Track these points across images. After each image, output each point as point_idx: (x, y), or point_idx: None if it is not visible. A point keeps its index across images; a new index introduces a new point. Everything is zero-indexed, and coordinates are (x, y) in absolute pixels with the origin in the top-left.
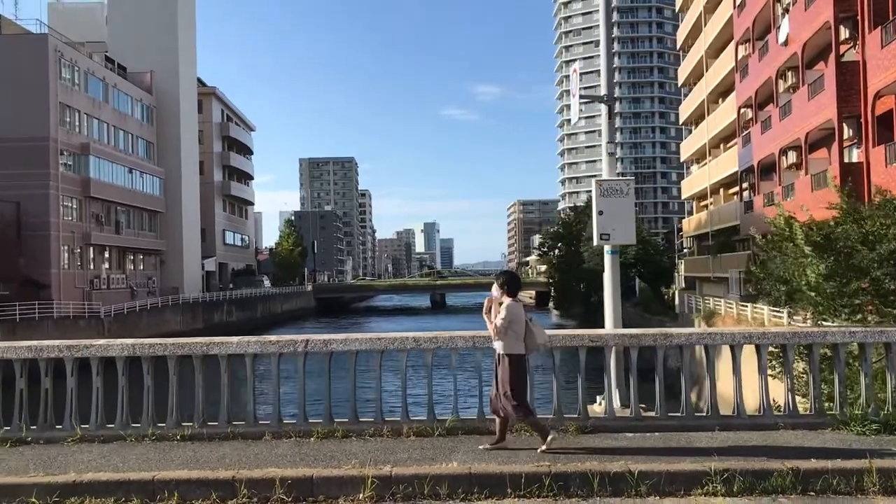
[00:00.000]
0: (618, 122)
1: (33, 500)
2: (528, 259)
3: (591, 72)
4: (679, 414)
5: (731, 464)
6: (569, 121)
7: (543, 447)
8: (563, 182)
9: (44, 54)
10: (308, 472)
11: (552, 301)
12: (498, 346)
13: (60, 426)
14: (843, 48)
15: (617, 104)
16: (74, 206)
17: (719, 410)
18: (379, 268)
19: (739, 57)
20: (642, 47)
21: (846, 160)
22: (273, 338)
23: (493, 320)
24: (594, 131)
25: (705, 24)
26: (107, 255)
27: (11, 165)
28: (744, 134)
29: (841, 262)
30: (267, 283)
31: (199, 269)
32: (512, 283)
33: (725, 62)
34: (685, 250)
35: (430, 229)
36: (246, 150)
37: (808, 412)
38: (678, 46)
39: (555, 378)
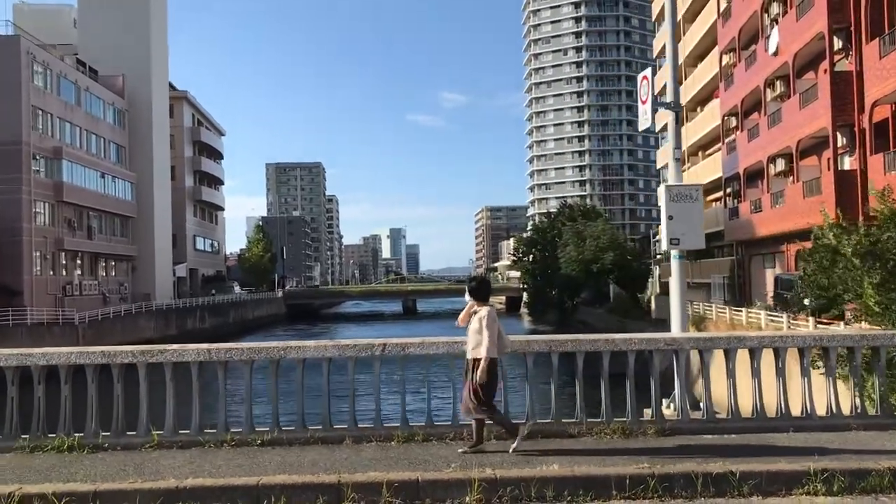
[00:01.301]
0: (586, 130)
1: None
2: (496, 265)
3: (560, 79)
4: (751, 416)
5: (829, 464)
6: (538, 127)
7: (515, 445)
8: (531, 188)
9: (16, 56)
10: (412, 475)
11: (525, 307)
12: (478, 350)
13: (133, 432)
14: (835, 58)
15: (585, 112)
16: (47, 211)
17: (791, 412)
18: (346, 274)
19: (723, 66)
20: (610, 55)
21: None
22: (349, 342)
23: (482, 331)
24: (562, 138)
25: (684, 34)
26: (79, 261)
27: None
28: (728, 141)
29: (890, 270)
30: (237, 289)
31: (170, 275)
32: (483, 288)
33: (705, 71)
34: (658, 256)
35: (396, 235)
36: (216, 155)
37: (876, 413)
38: (654, 55)
39: (629, 381)
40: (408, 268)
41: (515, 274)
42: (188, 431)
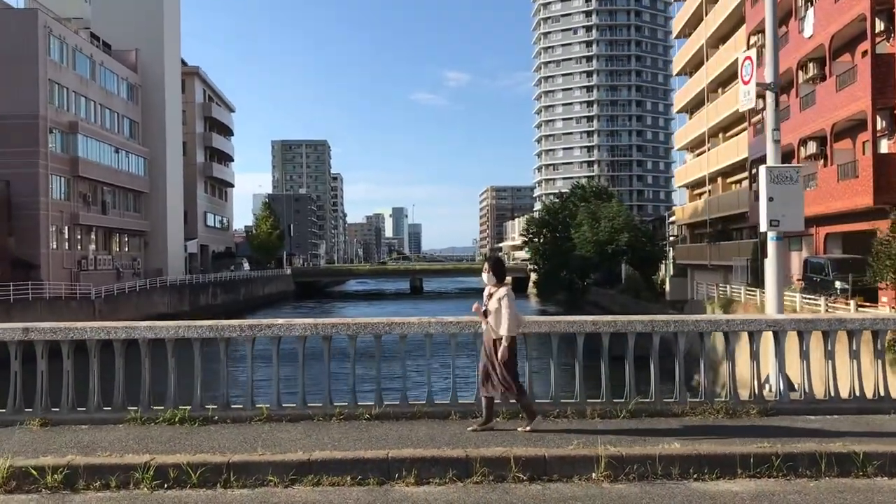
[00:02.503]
0: (595, 110)
1: (271, 477)
2: (501, 245)
3: (570, 59)
4: (848, 398)
5: None
6: (546, 107)
7: (528, 427)
8: (539, 168)
9: (33, 30)
10: (540, 451)
11: (535, 287)
12: (500, 329)
13: (240, 405)
14: (876, 40)
15: (594, 92)
16: (62, 186)
17: (891, 394)
18: (350, 252)
19: (751, 47)
20: (620, 35)
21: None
22: (452, 319)
23: (503, 311)
24: (571, 118)
25: (706, 14)
26: (93, 235)
27: (0, 143)
28: (755, 123)
29: None
30: (246, 265)
31: (181, 250)
32: (500, 268)
33: (728, 53)
34: (671, 238)
35: (398, 214)
36: (227, 131)
37: None
38: (674, 35)
39: (730, 362)
40: (410, 247)
41: (520, 254)
42: (294, 405)
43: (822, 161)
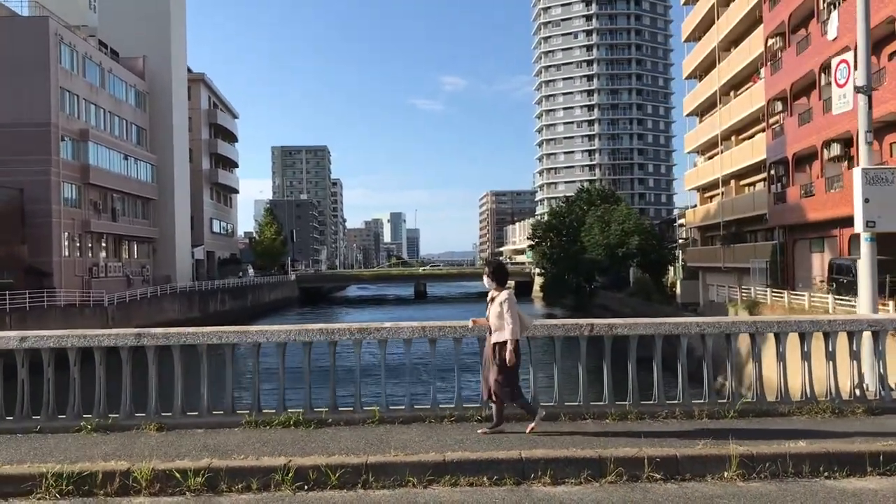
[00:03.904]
0: (595, 114)
1: (409, 478)
2: (501, 249)
3: (570, 63)
4: None
5: None
6: (547, 111)
7: (533, 425)
8: (540, 172)
9: (45, 38)
10: (671, 451)
11: (540, 291)
12: (501, 334)
13: (350, 407)
14: None
15: (595, 96)
16: (74, 194)
17: None
18: (350, 258)
19: (769, 50)
20: (620, 39)
21: None
22: (555, 322)
23: (505, 315)
24: (572, 122)
25: (718, 17)
26: (104, 242)
27: (12, 151)
28: (773, 125)
29: None
30: (251, 272)
31: (189, 257)
32: (502, 273)
33: (742, 56)
34: (679, 241)
35: (396, 219)
36: (231, 138)
37: None
38: (683, 39)
39: (831, 362)
40: (408, 252)
41: (522, 258)
42: (402, 407)
43: (845, 163)
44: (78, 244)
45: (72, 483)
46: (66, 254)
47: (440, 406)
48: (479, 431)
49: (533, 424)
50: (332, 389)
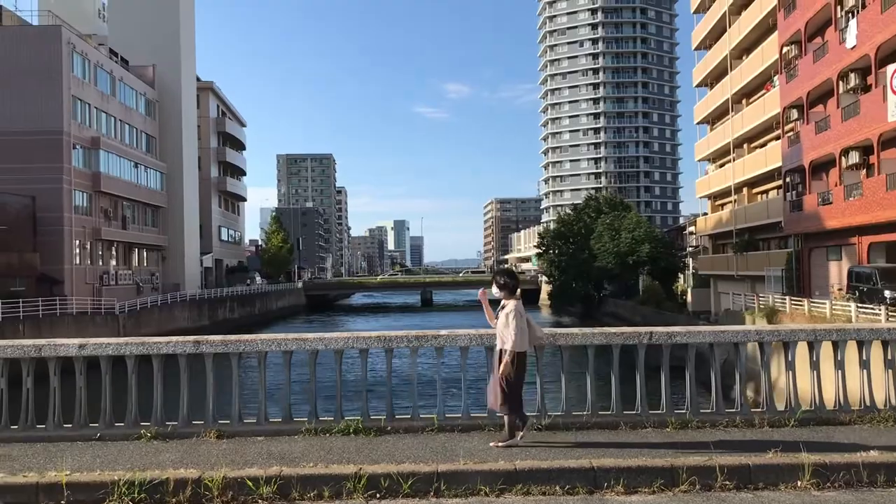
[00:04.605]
0: (601, 122)
1: (480, 486)
2: (506, 256)
3: (576, 71)
4: None
5: None
6: (553, 119)
7: (500, 444)
8: (546, 180)
9: (57, 46)
10: (743, 459)
11: (548, 298)
12: (506, 344)
13: (407, 415)
14: None
15: (601, 104)
16: (85, 201)
17: None
18: (355, 265)
19: (784, 58)
20: (626, 48)
21: None
22: (614, 330)
23: (509, 325)
24: (578, 130)
25: (730, 25)
26: (114, 250)
27: (24, 159)
28: (788, 133)
29: None
30: (259, 279)
31: (198, 265)
32: (513, 282)
33: (755, 64)
34: (689, 249)
35: (400, 227)
36: (239, 146)
37: None
38: (693, 47)
39: (889, 371)
40: (412, 260)
41: (527, 266)
42: (459, 415)
43: (864, 171)
44: (89, 252)
45: (144, 491)
46: (78, 261)
47: (497, 415)
48: (491, 444)
49: (500, 444)
50: (389, 397)
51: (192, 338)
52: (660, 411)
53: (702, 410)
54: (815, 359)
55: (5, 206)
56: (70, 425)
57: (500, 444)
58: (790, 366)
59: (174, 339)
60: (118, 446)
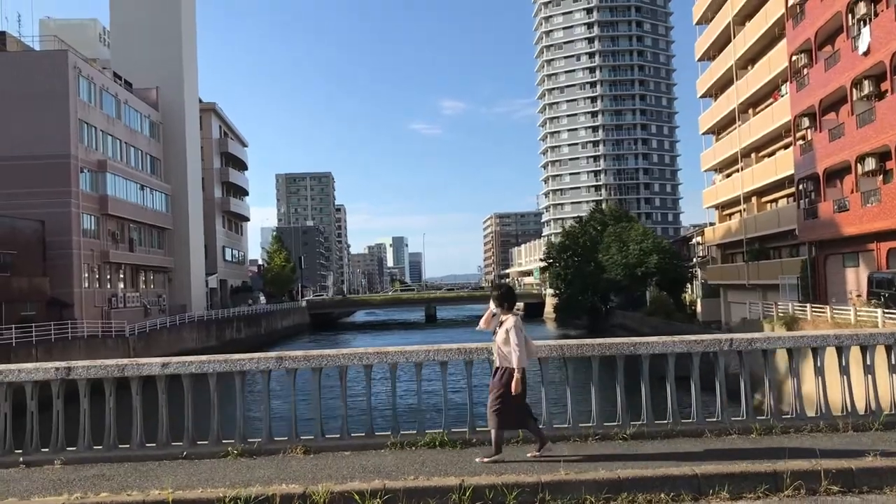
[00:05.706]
0: (600, 135)
1: (586, 496)
2: (507, 271)
3: (574, 85)
4: None
5: None
6: (552, 133)
7: (485, 460)
8: (546, 194)
9: (64, 70)
10: (846, 464)
11: (553, 311)
12: (507, 362)
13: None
14: None
15: (599, 117)
16: (92, 224)
17: None
18: (355, 283)
19: (794, 67)
20: (623, 60)
21: None
22: (694, 338)
23: (510, 342)
24: (577, 143)
25: (734, 36)
26: (121, 273)
27: (32, 184)
28: (800, 142)
29: None
30: (262, 299)
31: (203, 286)
32: (509, 296)
33: (761, 74)
34: (697, 258)
35: (398, 243)
36: (241, 166)
37: None
38: (696, 58)
39: None
40: (411, 276)
41: (530, 280)
42: (549, 425)
43: (881, 177)
44: (97, 275)
45: None
46: (87, 285)
47: (580, 425)
48: (528, 455)
49: (486, 460)
50: (470, 409)
51: (273, 354)
52: (741, 418)
53: (784, 416)
54: (892, 362)
55: (15, 231)
56: (153, 444)
57: (485, 459)
58: (868, 369)
59: (257, 355)
60: (208, 464)
